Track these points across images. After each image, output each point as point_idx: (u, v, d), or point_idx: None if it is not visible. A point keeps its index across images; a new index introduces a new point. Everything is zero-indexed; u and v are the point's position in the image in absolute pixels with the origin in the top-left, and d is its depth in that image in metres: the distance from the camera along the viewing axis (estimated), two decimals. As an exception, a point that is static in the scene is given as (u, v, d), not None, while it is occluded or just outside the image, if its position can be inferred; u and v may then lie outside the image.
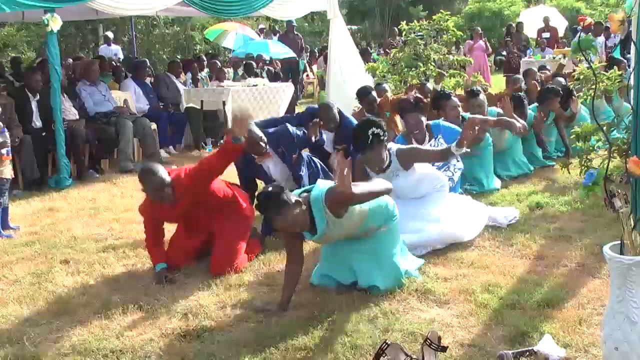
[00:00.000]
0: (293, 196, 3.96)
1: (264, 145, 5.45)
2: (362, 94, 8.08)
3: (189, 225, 5.02)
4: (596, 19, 18.14)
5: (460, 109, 6.93)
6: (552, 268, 4.71)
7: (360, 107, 8.16)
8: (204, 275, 4.73)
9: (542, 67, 11.95)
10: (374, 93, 8.13)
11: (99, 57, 12.88)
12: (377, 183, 4.20)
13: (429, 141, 6.15)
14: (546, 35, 17.04)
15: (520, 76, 10.27)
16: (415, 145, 5.11)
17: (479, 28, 18.42)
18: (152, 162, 4.73)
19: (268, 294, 4.38)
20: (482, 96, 7.28)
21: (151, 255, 4.89)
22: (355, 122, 6.70)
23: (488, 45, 17.20)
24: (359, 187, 3.98)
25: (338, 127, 6.54)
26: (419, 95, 6.53)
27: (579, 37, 3.11)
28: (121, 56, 15.52)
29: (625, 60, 10.37)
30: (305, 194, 4.06)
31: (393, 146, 5.12)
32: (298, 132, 5.74)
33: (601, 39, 14.90)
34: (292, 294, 4.18)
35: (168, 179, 4.65)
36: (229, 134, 4.73)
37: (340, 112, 6.65)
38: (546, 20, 17.74)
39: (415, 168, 5.14)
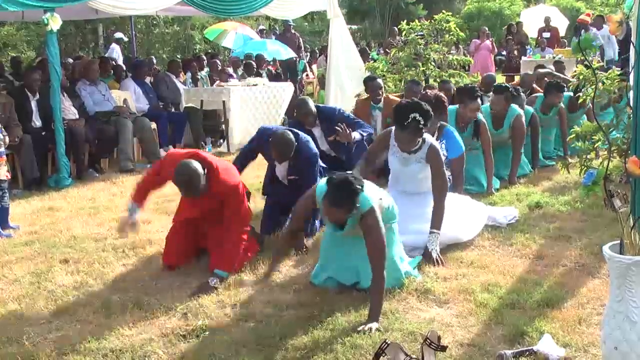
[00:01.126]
0: None
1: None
2: (369, 79, 8.24)
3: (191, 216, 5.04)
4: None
5: (478, 113, 6.88)
6: (551, 268, 4.71)
7: (362, 96, 8.23)
8: (204, 274, 4.73)
9: (539, 67, 11.99)
10: (379, 80, 8.23)
11: (102, 57, 12.86)
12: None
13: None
14: (547, 35, 17.05)
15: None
16: (443, 162, 5.18)
17: (486, 28, 18.44)
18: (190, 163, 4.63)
19: (268, 294, 4.38)
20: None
21: (135, 191, 5.01)
22: (339, 110, 6.85)
23: (494, 45, 17.21)
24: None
25: (317, 118, 6.58)
26: (441, 94, 6.46)
27: (580, 36, 3.11)
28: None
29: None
30: None
31: (430, 139, 5.16)
32: (315, 150, 5.61)
33: (605, 31, 14.85)
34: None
35: (202, 176, 4.61)
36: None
37: (317, 106, 6.69)
38: (547, 20, 17.75)
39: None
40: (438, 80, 10.00)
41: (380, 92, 7.97)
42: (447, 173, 6.08)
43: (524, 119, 7.28)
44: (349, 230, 4.18)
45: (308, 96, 10.71)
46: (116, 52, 15.45)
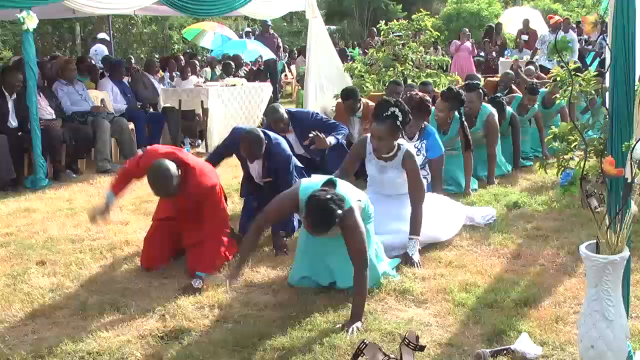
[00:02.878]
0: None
1: None
2: (345, 96, 7.78)
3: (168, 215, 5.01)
4: (573, 20, 18.26)
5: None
6: (529, 267, 4.74)
7: (339, 107, 8.13)
8: (181, 275, 4.70)
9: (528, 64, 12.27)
10: (351, 100, 7.74)
11: (80, 57, 12.73)
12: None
13: (415, 140, 6.18)
14: (525, 37, 17.16)
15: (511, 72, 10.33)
16: (418, 164, 5.17)
17: (467, 29, 18.52)
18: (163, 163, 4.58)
19: (246, 294, 4.37)
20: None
21: (113, 181, 5.05)
22: (312, 113, 6.81)
23: (474, 47, 17.29)
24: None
25: (289, 124, 6.54)
26: (426, 97, 6.46)
27: (555, 38, 3.13)
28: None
29: None
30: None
31: (406, 145, 5.15)
32: (293, 160, 5.60)
33: (574, 34, 15.02)
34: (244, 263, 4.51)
35: (176, 174, 4.57)
36: None
37: (288, 111, 6.64)
38: (526, 22, 17.86)
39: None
40: (416, 80, 10.03)
41: (357, 106, 7.70)
42: (426, 172, 6.12)
43: (496, 117, 7.30)
44: (329, 233, 4.17)
45: (288, 95, 10.66)
46: (99, 53, 15.24)
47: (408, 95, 6.59)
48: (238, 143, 5.41)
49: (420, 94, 6.68)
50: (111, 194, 4.92)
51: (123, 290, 4.50)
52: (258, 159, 5.41)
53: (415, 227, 4.93)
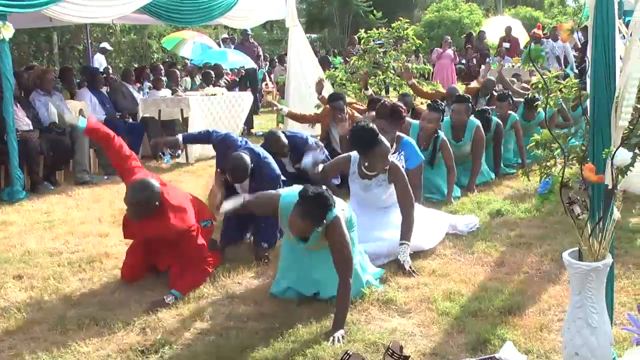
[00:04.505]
0: None
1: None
2: (331, 99, 7.98)
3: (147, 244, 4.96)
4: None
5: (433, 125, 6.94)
6: (512, 275, 4.76)
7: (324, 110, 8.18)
8: (163, 288, 4.67)
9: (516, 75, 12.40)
10: (340, 102, 7.90)
11: (66, 67, 12.63)
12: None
13: (393, 153, 6.19)
14: (507, 45, 17.31)
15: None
16: (406, 179, 5.21)
17: (449, 37, 18.65)
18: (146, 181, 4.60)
19: (228, 306, 4.35)
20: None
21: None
22: (307, 139, 6.64)
23: (457, 54, 17.39)
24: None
25: (290, 149, 6.46)
26: (398, 104, 6.51)
27: (529, 47, 3.17)
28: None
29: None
30: None
31: (390, 157, 5.21)
32: (277, 172, 5.52)
33: (563, 43, 15.20)
34: None
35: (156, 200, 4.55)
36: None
37: (287, 135, 6.55)
38: (508, 30, 18.02)
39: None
40: (398, 89, 10.09)
41: (341, 115, 7.75)
42: None
43: (482, 130, 7.37)
44: (313, 242, 4.18)
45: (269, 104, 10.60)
46: (98, 62, 15.12)
47: (381, 103, 6.63)
48: (222, 157, 5.43)
49: (391, 101, 6.72)
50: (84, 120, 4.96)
51: (103, 304, 4.46)
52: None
53: (405, 232, 4.96)
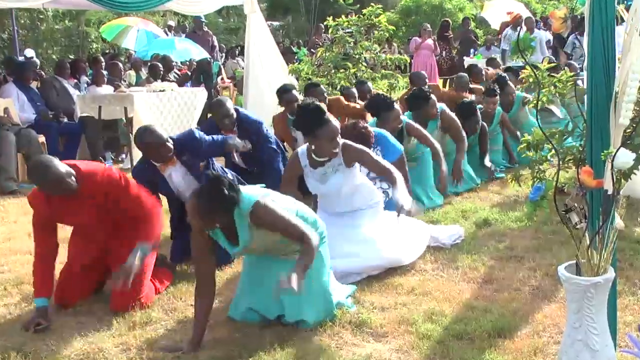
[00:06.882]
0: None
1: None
2: (281, 91, 7.97)
3: (82, 238, 4.91)
4: (546, 15, 18.70)
5: (402, 117, 7.08)
6: (502, 292, 4.79)
7: (281, 110, 8.12)
8: (103, 312, 4.62)
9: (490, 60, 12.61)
10: (294, 92, 7.97)
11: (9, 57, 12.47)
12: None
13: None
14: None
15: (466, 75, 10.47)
16: (365, 148, 5.25)
17: (428, 25, 18.71)
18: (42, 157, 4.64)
19: (179, 332, 4.31)
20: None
21: (35, 281, 4.65)
22: (254, 118, 6.87)
23: (437, 44, 17.47)
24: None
25: (235, 124, 6.58)
26: (366, 127, 6.63)
27: (518, 36, 3.17)
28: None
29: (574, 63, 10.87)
30: None
31: (341, 140, 5.20)
32: (206, 138, 5.65)
33: (543, 33, 15.42)
34: (204, 329, 4.14)
35: (68, 169, 4.53)
36: None
37: (238, 111, 6.69)
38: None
39: (355, 173, 5.24)
40: (371, 82, 10.11)
41: (295, 105, 7.76)
42: (387, 185, 6.15)
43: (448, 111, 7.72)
44: (248, 243, 4.14)
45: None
46: (26, 53, 14.90)
47: (347, 127, 6.66)
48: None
49: (360, 125, 6.74)
50: (41, 301, 4.57)
51: (31, 333, 4.38)
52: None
53: (391, 181, 5.06)
